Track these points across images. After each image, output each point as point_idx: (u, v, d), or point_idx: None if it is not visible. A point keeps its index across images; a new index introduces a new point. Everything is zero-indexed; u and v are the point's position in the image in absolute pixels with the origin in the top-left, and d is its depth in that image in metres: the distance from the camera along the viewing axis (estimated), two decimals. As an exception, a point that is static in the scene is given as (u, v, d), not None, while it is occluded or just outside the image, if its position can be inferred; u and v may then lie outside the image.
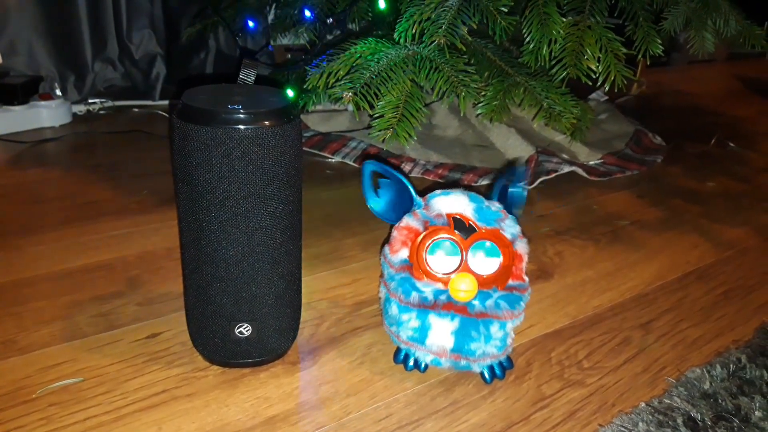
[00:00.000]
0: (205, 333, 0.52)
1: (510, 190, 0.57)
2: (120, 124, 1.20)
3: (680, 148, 1.27)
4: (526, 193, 0.57)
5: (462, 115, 1.19)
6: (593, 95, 1.49)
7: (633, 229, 0.88)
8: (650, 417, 0.50)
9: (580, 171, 1.05)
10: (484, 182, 0.99)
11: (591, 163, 1.11)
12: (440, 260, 0.52)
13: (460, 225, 0.52)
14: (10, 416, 0.47)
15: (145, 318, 0.60)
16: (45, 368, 0.52)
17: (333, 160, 1.07)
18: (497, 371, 0.54)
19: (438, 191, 0.55)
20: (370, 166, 0.58)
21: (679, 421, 0.49)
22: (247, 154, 0.46)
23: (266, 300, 0.51)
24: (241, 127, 0.45)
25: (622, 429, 0.49)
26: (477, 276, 0.52)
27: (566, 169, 1.04)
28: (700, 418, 0.50)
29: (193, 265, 0.50)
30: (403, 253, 0.54)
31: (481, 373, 0.54)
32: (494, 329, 0.52)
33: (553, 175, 1.03)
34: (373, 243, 0.78)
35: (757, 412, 0.51)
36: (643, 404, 0.52)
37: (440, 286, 0.52)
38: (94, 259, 0.70)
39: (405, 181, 0.57)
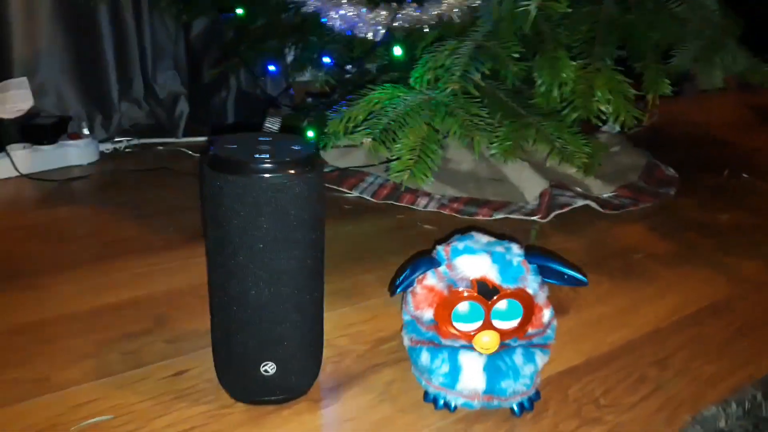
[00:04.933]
0: (231, 371, 0.54)
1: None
2: (145, 161, 1.23)
3: (693, 180, 1.27)
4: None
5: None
6: (605, 127, 1.51)
7: (647, 263, 0.89)
8: (667, 455, 0.50)
9: (593, 205, 1.06)
10: (499, 216, 1.01)
11: (604, 195, 1.13)
12: (465, 322, 0.55)
13: (483, 287, 0.55)
14: (46, 453, 0.49)
15: (172, 355, 0.62)
16: (77, 405, 0.54)
17: (351, 195, 1.09)
18: (526, 405, 0.56)
19: (460, 245, 0.56)
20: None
21: (696, 459, 0.50)
22: (274, 201, 0.48)
23: (291, 340, 0.53)
24: (269, 175, 0.48)
25: (640, 467, 0.49)
26: (499, 330, 0.55)
27: (580, 203, 1.06)
28: (717, 457, 0.50)
29: (221, 307, 0.52)
30: (429, 313, 0.56)
31: (511, 408, 0.56)
32: (519, 361, 0.55)
33: (567, 209, 1.05)
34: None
35: (774, 451, 0.51)
36: (659, 442, 0.52)
37: (465, 342, 0.56)
38: (122, 297, 0.73)
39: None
